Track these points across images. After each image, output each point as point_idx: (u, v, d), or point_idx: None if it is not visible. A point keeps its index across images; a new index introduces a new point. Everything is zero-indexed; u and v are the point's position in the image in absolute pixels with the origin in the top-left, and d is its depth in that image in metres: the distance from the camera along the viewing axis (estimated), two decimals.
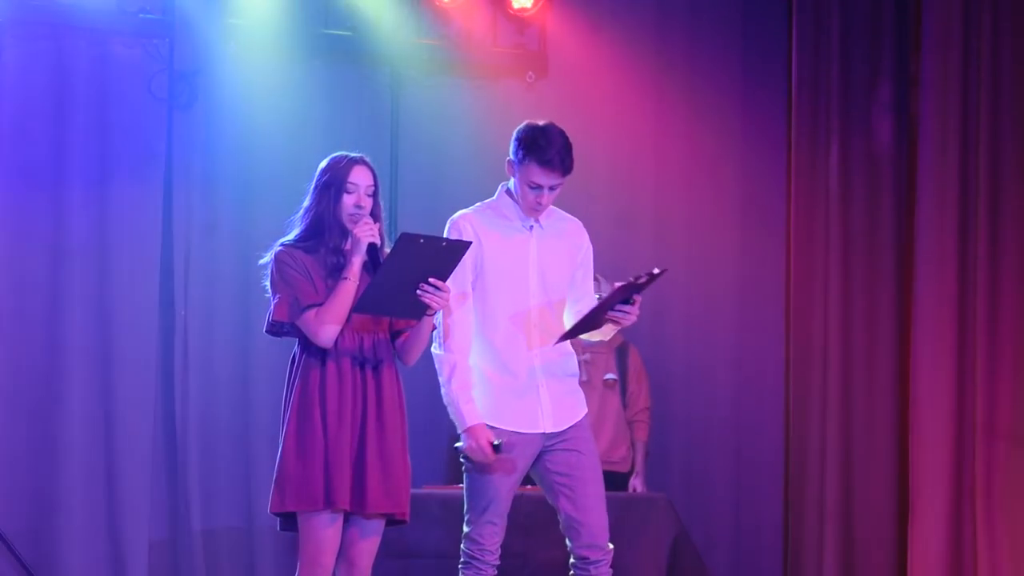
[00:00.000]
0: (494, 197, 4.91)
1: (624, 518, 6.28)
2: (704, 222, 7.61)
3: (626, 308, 4.66)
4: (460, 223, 4.83)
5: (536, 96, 7.31)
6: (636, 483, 7.02)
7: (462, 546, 4.75)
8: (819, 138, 7.48)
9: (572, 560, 4.79)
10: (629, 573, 6.27)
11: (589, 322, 4.70)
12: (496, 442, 4.66)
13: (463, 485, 4.81)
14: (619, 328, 4.81)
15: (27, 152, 6.68)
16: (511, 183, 4.87)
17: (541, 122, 4.77)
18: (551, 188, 4.74)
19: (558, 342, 4.73)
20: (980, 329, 6.99)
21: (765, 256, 7.65)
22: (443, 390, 4.78)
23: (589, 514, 4.74)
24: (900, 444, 7.27)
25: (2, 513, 6.50)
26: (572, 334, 4.74)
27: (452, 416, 4.77)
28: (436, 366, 4.79)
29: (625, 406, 7.10)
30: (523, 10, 7.34)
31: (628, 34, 7.54)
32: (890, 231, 7.39)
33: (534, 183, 4.73)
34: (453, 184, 7.26)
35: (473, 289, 4.78)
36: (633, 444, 7.09)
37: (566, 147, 4.72)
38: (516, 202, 4.83)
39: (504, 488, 4.73)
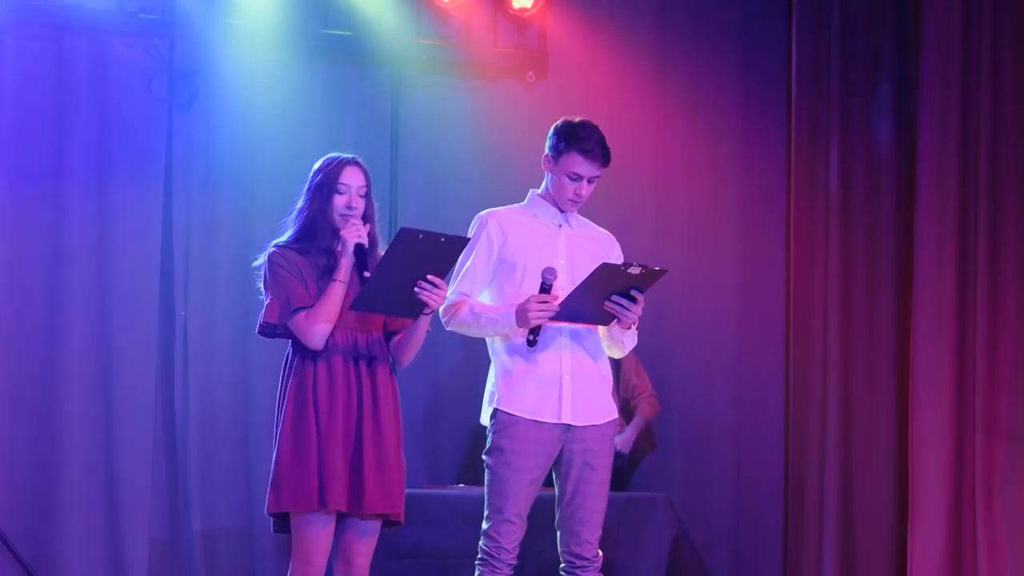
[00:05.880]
0: (523, 201, 4.94)
1: (624, 518, 6.29)
2: (704, 222, 7.61)
3: (624, 302, 4.67)
4: (484, 217, 4.91)
5: (536, 96, 7.32)
6: (619, 441, 6.98)
7: (480, 543, 4.78)
8: (819, 138, 7.48)
9: (562, 564, 4.87)
10: (629, 573, 6.29)
11: (579, 301, 4.68)
12: (546, 283, 4.65)
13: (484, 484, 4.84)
14: (627, 332, 4.82)
15: (27, 152, 6.68)
16: (540, 188, 4.93)
17: (576, 118, 4.86)
18: (590, 180, 4.83)
19: (550, 319, 4.73)
20: (980, 329, 6.99)
21: (765, 256, 7.65)
22: (475, 326, 4.79)
23: (584, 526, 4.83)
24: (900, 444, 7.27)
25: (2, 513, 6.50)
26: (563, 313, 4.70)
27: (498, 330, 4.77)
28: (455, 327, 4.84)
29: (631, 398, 7.18)
30: (523, 10, 7.34)
31: (628, 34, 7.55)
32: (890, 231, 7.39)
33: (575, 174, 4.80)
34: (453, 184, 7.27)
35: (493, 283, 4.85)
36: (634, 417, 7.21)
37: (604, 139, 4.83)
38: (548, 203, 4.90)
39: (523, 486, 4.75)
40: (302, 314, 4.55)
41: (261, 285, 4.64)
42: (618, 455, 7.01)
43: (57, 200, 6.70)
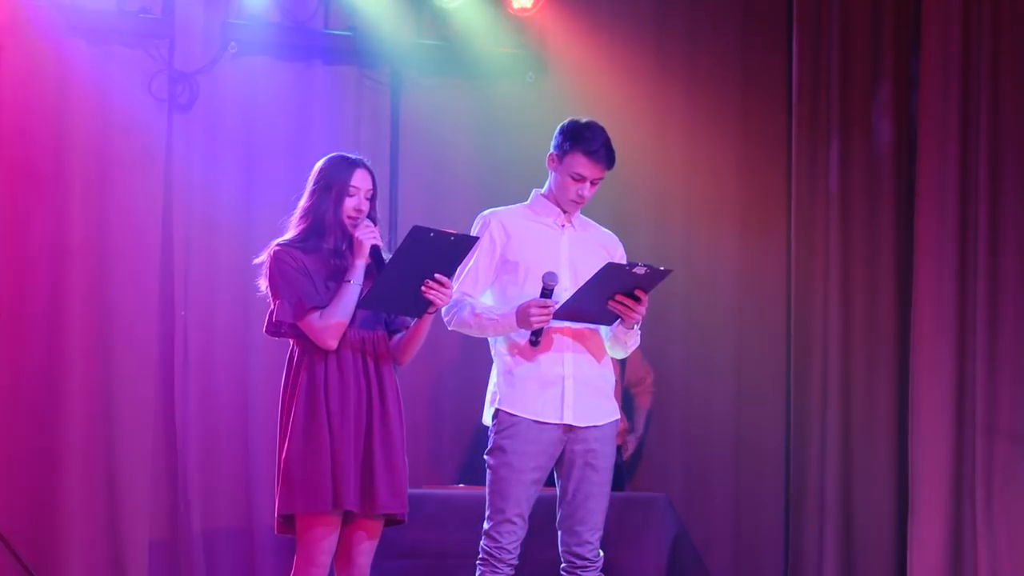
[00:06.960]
0: (527, 201, 4.94)
1: (624, 518, 6.28)
2: (704, 222, 7.61)
3: (629, 302, 4.67)
4: (487, 217, 4.92)
5: (536, 96, 7.31)
6: (631, 440, 7.22)
7: (481, 543, 4.78)
8: (819, 138, 7.48)
9: (562, 564, 4.88)
10: (629, 573, 6.28)
11: (583, 301, 4.68)
12: (547, 288, 4.66)
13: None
14: (630, 331, 4.82)
15: (27, 152, 6.67)
16: (544, 187, 4.92)
17: (583, 118, 4.86)
18: (593, 182, 4.83)
19: (554, 319, 4.73)
20: (980, 329, 7.00)
21: (765, 256, 7.65)
22: (476, 327, 4.80)
23: (585, 526, 4.83)
24: (900, 444, 7.27)
25: (2, 513, 6.50)
26: (567, 313, 4.71)
27: (499, 330, 4.78)
28: (457, 327, 4.84)
29: (632, 385, 7.32)
30: (523, 10, 7.34)
31: (628, 34, 7.54)
32: (890, 231, 7.40)
33: (578, 174, 4.81)
34: (453, 184, 7.28)
35: (496, 283, 4.85)
36: (636, 409, 7.31)
37: (609, 141, 4.83)
38: (551, 202, 4.90)
39: (525, 487, 4.76)
40: (316, 314, 4.53)
41: (263, 282, 4.63)
42: (623, 452, 7.09)
43: (57, 200, 6.69)
